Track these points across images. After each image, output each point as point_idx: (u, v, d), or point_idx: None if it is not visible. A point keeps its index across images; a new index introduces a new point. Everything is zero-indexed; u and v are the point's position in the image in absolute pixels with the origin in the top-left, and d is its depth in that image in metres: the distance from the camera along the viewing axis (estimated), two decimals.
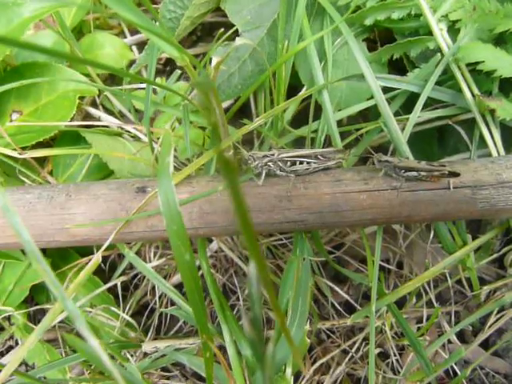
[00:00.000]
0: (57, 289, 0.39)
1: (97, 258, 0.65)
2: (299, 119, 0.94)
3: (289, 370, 0.65)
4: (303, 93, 0.78)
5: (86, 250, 0.87)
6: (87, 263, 0.70)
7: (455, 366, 0.84)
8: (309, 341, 0.66)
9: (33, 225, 0.67)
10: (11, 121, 0.84)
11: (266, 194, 0.67)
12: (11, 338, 0.90)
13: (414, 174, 0.67)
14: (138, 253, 0.93)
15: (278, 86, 0.77)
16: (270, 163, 0.66)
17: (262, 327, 0.32)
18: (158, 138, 0.94)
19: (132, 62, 0.99)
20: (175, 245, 0.47)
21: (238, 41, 0.61)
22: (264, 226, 0.68)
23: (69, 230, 0.67)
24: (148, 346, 0.75)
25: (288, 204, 0.67)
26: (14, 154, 0.72)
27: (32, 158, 0.85)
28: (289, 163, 0.68)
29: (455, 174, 0.67)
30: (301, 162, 0.68)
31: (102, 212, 0.67)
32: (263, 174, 0.66)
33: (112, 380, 0.65)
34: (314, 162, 0.69)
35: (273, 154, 0.67)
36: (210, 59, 0.64)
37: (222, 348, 0.69)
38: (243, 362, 0.66)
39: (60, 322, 0.83)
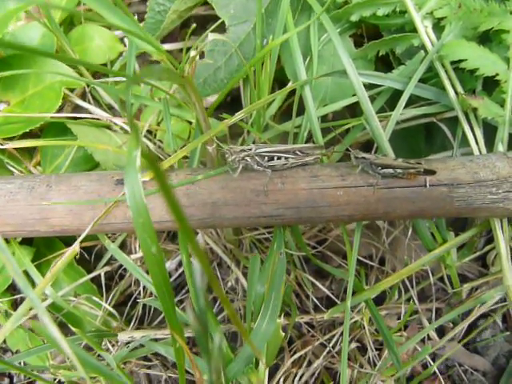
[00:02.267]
0: (18, 277, 0.40)
1: (74, 249, 0.66)
2: (286, 116, 0.94)
3: (262, 362, 0.66)
4: (285, 88, 0.78)
5: (72, 239, 0.88)
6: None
7: (432, 362, 0.84)
8: (283, 334, 0.66)
9: (13, 214, 0.68)
10: None
11: (242, 189, 0.68)
12: None
13: (390, 171, 0.67)
14: (123, 244, 0.94)
15: (259, 81, 0.77)
16: (247, 158, 0.67)
17: (206, 320, 0.33)
18: (148, 132, 0.95)
19: (121, 54, 1.00)
20: (142, 238, 0.48)
21: (211, 36, 0.61)
22: (240, 220, 0.69)
23: (49, 220, 0.68)
24: (124, 336, 0.76)
25: (265, 199, 0.68)
26: None
27: (19, 148, 0.86)
28: (266, 158, 0.68)
29: (431, 172, 0.67)
30: (279, 158, 0.69)
31: None
32: (239, 168, 0.67)
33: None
34: (292, 158, 0.69)
35: (250, 149, 0.67)
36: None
37: None
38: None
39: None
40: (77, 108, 0.98)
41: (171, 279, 0.99)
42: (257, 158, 0.67)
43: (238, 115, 0.72)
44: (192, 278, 0.73)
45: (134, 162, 0.47)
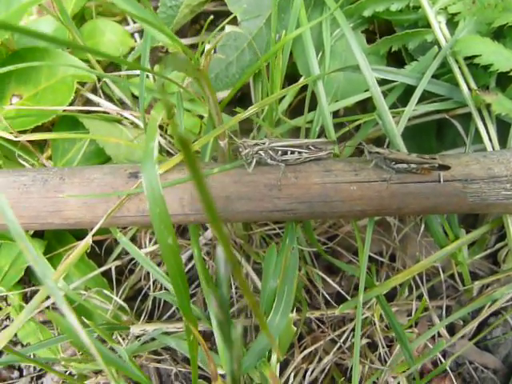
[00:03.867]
0: (38, 266, 0.40)
1: (87, 242, 0.66)
2: (298, 110, 0.94)
3: (274, 356, 0.66)
4: (298, 83, 0.78)
5: (82, 233, 0.89)
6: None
7: (443, 359, 0.84)
8: (295, 329, 0.66)
9: (27, 207, 0.68)
10: (11, 104, 0.86)
11: (256, 183, 0.68)
12: (7, 318, 0.92)
13: (404, 166, 0.67)
14: (133, 238, 0.95)
15: (273, 76, 0.77)
16: (260, 152, 0.67)
17: (228, 309, 0.33)
18: (160, 127, 0.95)
19: (133, 49, 1.00)
20: (158, 228, 0.48)
21: (228, 28, 0.61)
22: (253, 214, 0.69)
23: (62, 212, 0.68)
24: (136, 329, 0.76)
25: (278, 193, 0.68)
26: (11, 136, 0.73)
27: (31, 141, 0.86)
28: (280, 152, 0.68)
29: (445, 167, 0.67)
30: (292, 152, 0.69)
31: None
32: (253, 163, 0.67)
33: None
34: (306, 152, 0.69)
35: (264, 143, 0.67)
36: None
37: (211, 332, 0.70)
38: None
39: (54, 304, 0.85)
40: (88, 102, 0.99)
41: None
42: (270, 152, 0.67)
43: (252, 109, 0.72)
44: (204, 272, 0.73)
45: (151, 152, 0.48)
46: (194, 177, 0.25)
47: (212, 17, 0.67)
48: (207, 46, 0.60)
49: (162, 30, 0.50)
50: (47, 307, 0.80)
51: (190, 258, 0.95)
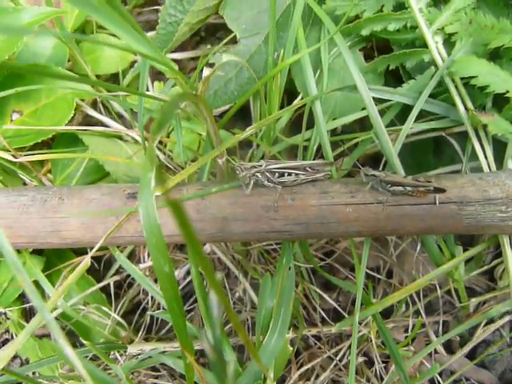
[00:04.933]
0: (35, 297, 0.41)
1: (86, 262, 0.67)
2: (296, 127, 0.94)
3: (271, 376, 0.67)
4: (296, 103, 0.79)
5: (81, 249, 0.89)
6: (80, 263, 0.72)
7: (439, 377, 0.85)
8: (291, 348, 0.67)
9: (26, 226, 0.69)
10: (11, 121, 0.87)
11: (253, 204, 0.68)
12: (7, 331, 0.92)
13: (400, 188, 0.67)
14: (132, 253, 0.95)
15: (270, 97, 0.77)
16: (257, 174, 0.67)
17: (221, 351, 0.34)
18: (159, 142, 0.96)
19: (133, 64, 1.00)
20: (155, 257, 0.48)
21: (225, 57, 0.62)
22: (250, 235, 0.69)
23: (61, 232, 0.69)
24: (133, 349, 0.77)
25: (274, 214, 0.68)
26: (9, 157, 0.74)
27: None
28: (277, 174, 0.69)
29: (441, 190, 0.67)
30: (289, 174, 0.69)
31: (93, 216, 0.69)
32: (251, 185, 0.67)
33: None
34: (303, 174, 0.70)
35: (260, 165, 0.68)
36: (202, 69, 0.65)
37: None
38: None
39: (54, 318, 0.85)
40: (88, 117, 0.99)
41: (179, 288, 0.99)
42: (267, 174, 0.68)
43: (249, 130, 0.72)
44: (200, 288, 0.73)
45: (148, 184, 0.48)
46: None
47: (208, 47, 0.67)
48: (205, 71, 0.61)
49: (158, 60, 0.51)
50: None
51: (188, 272, 0.96)
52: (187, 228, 0.27)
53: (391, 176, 0.68)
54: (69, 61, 0.95)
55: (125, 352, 0.80)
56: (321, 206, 0.68)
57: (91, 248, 0.73)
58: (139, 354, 0.76)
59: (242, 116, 1.04)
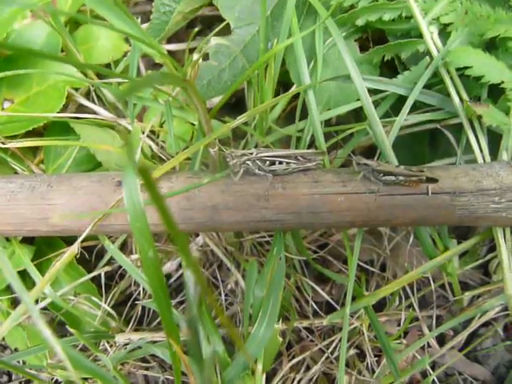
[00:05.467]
0: (14, 280, 0.40)
1: (72, 250, 0.66)
2: (290, 118, 0.94)
3: (259, 367, 0.66)
4: (288, 93, 0.78)
5: (72, 239, 0.88)
6: None
7: (432, 371, 0.84)
8: (281, 339, 0.66)
9: (14, 214, 0.68)
10: (2, 109, 0.86)
11: (243, 193, 0.68)
12: None
13: (392, 178, 0.67)
14: (124, 243, 0.94)
15: (263, 85, 0.77)
16: (248, 162, 0.67)
17: (198, 329, 0.33)
18: (152, 132, 0.95)
19: (127, 54, 1.00)
20: (139, 242, 0.47)
21: (213, 40, 0.61)
22: (240, 224, 0.69)
23: (49, 220, 0.68)
24: (122, 338, 0.76)
25: (265, 203, 0.68)
26: None
27: (20, 147, 0.86)
28: (268, 163, 0.68)
29: (433, 180, 0.67)
30: (280, 162, 0.68)
31: (81, 204, 0.68)
32: (240, 172, 0.67)
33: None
34: (294, 163, 0.69)
35: (251, 153, 0.67)
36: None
37: None
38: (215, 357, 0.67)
39: (44, 309, 0.85)
40: (81, 106, 0.99)
41: (172, 280, 0.99)
42: (258, 162, 0.67)
43: (240, 119, 0.71)
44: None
45: (132, 166, 0.47)
46: (157, 207, 0.25)
47: (197, 29, 0.66)
48: (195, 56, 0.60)
49: (146, 43, 0.50)
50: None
51: (181, 264, 0.95)
52: (156, 196, 0.26)
53: (383, 165, 0.67)
54: (62, 51, 0.94)
55: (113, 342, 0.79)
56: (312, 195, 0.68)
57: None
58: (128, 344, 0.75)
59: (239, 108, 1.03)
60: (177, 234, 0.27)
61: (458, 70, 0.78)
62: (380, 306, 0.93)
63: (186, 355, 0.56)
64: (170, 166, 0.67)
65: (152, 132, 0.95)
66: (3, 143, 0.73)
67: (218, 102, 0.78)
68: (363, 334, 0.84)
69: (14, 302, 0.89)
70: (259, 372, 0.65)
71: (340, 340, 0.85)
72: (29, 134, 0.84)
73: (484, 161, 0.77)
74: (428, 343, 0.88)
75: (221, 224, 0.69)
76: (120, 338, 0.76)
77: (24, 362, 0.85)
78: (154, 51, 0.56)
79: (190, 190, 0.66)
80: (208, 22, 1.20)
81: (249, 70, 0.72)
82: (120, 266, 0.94)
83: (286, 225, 0.69)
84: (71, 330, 0.64)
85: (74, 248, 0.66)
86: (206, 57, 0.87)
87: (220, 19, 0.91)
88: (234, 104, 1.08)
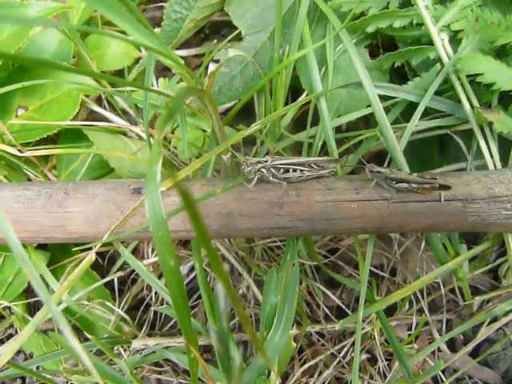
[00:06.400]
0: (41, 290, 0.41)
1: (90, 257, 0.67)
2: (300, 124, 0.94)
3: (273, 373, 0.67)
4: (301, 99, 0.78)
5: (83, 244, 0.89)
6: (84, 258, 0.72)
7: (442, 375, 0.85)
8: (295, 344, 0.67)
9: (31, 221, 0.69)
10: (17, 116, 0.87)
11: (257, 200, 0.68)
12: (11, 326, 0.93)
13: (405, 185, 0.67)
14: (136, 248, 0.95)
15: (276, 94, 0.77)
16: (262, 169, 0.67)
17: (228, 343, 0.34)
18: (164, 138, 0.96)
19: (138, 60, 1.01)
20: (160, 251, 0.48)
21: (231, 52, 0.62)
22: (254, 231, 0.69)
23: (66, 227, 0.69)
24: (138, 344, 0.77)
25: (279, 210, 0.68)
26: (15, 151, 0.74)
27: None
28: (282, 170, 0.68)
29: (446, 187, 0.67)
30: (294, 170, 0.69)
31: (98, 211, 0.69)
32: (255, 179, 0.67)
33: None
34: (308, 170, 0.70)
35: (266, 161, 0.68)
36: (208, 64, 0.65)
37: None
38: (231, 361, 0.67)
39: None
40: (93, 113, 1.00)
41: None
42: (272, 169, 0.68)
43: (254, 126, 0.72)
44: (205, 286, 0.73)
45: (154, 177, 0.48)
46: (191, 217, 0.26)
47: (214, 42, 0.67)
48: (211, 67, 0.61)
49: (164, 54, 0.51)
50: (50, 318, 0.81)
51: (192, 268, 0.96)
52: (196, 216, 0.27)
53: (396, 173, 0.68)
54: (74, 57, 0.95)
55: (129, 347, 0.80)
56: (326, 202, 0.68)
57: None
58: (143, 349, 0.76)
59: (246, 114, 1.04)
60: (212, 252, 0.28)
61: (468, 76, 0.78)
62: (390, 311, 0.94)
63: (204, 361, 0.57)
64: (186, 174, 0.68)
65: (164, 138, 0.95)
66: (20, 151, 0.74)
67: (230, 110, 0.79)
68: (374, 338, 0.84)
69: (29, 307, 0.90)
70: (274, 377, 0.65)
71: (351, 344, 0.86)
72: (42, 141, 0.86)
73: (495, 167, 0.78)
74: (438, 347, 0.88)
75: (235, 231, 0.69)
76: (136, 344, 0.77)
77: (38, 367, 0.86)
78: (171, 61, 0.57)
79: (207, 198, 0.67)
80: (217, 28, 1.21)
81: (264, 78, 0.73)
82: (132, 272, 0.95)
83: (300, 231, 0.70)
84: (88, 336, 0.65)
85: (92, 255, 0.67)
86: (217, 62, 0.88)
87: (229, 25, 0.91)
88: (242, 110, 1.09)
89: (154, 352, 0.77)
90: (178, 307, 0.51)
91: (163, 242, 0.48)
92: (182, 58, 1.08)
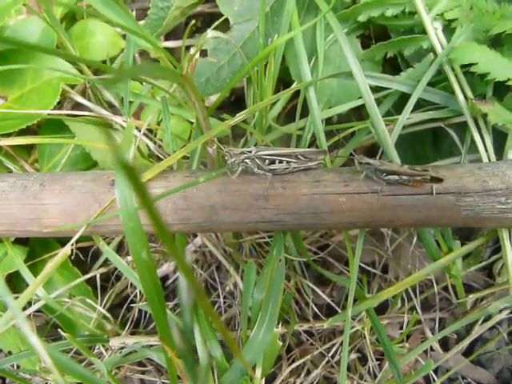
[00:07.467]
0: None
1: (65, 251, 0.64)
2: (290, 117, 0.92)
3: (258, 372, 0.64)
4: (288, 90, 0.76)
5: (67, 239, 0.86)
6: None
7: (435, 375, 0.82)
8: (281, 343, 0.64)
9: (5, 213, 0.66)
10: None
11: (242, 192, 0.66)
12: None
13: (396, 177, 0.65)
14: (120, 244, 0.92)
15: (262, 82, 0.75)
16: (247, 160, 0.65)
17: (191, 336, 0.31)
18: (149, 130, 0.93)
19: (123, 51, 0.98)
20: (132, 242, 0.45)
21: (210, 34, 0.59)
22: (239, 225, 0.67)
23: (41, 220, 0.66)
24: (116, 342, 0.74)
25: (265, 203, 0.66)
26: None
27: (15, 145, 0.84)
28: (267, 161, 0.66)
29: (438, 180, 0.65)
30: (280, 161, 0.66)
31: (75, 203, 0.66)
32: (238, 170, 0.65)
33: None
34: (294, 162, 0.67)
35: (250, 151, 0.65)
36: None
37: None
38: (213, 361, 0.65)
39: (38, 312, 0.83)
40: (77, 105, 0.97)
41: (169, 282, 0.97)
42: (257, 160, 0.65)
43: (239, 116, 0.69)
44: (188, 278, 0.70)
45: (124, 164, 0.45)
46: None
47: (193, 22, 0.64)
48: (192, 51, 0.58)
49: (141, 36, 0.48)
50: (28, 315, 0.78)
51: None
52: (144, 195, 0.24)
53: (386, 164, 0.65)
54: (57, 47, 0.92)
55: (108, 345, 0.77)
56: (313, 195, 0.66)
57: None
58: (123, 348, 0.73)
59: (239, 107, 1.01)
60: (166, 236, 0.25)
61: (462, 67, 0.76)
62: (381, 309, 0.91)
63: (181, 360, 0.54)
64: (167, 165, 0.65)
65: (149, 130, 0.93)
66: None
67: (215, 100, 0.76)
68: (365, 337, 0.81)
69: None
70: (258, 378, 0.63)
71: (341, 343, 0.83)
72: (22, 133, 0.83)
73: (489, 160, 0.75)
74: (431, 347, 0.86)
75: (219, 224, 0.66)
76: (114, 342, 0.74)
77: (18, 366, 0.83)
78: (149, 45, 0.54)
79: (188, 189, 0.64)
80: (207, 20, 1.18)
81: (248, 65, 0.70)
82: (116, 268, 0.92)
83: (286, 225, 0.67)
84: (64, 335, 0.62)
85: (67, 249, 0.64)
86: (205, 54, 0.85)
87: (220, 17, 0.89)
88: (234, 102, 1.06)
89: (135, 351, 0.74)
90: (153, 302, 0.48)
91: (135, 233, 0.46)
92: (171, 49, 1.05)
